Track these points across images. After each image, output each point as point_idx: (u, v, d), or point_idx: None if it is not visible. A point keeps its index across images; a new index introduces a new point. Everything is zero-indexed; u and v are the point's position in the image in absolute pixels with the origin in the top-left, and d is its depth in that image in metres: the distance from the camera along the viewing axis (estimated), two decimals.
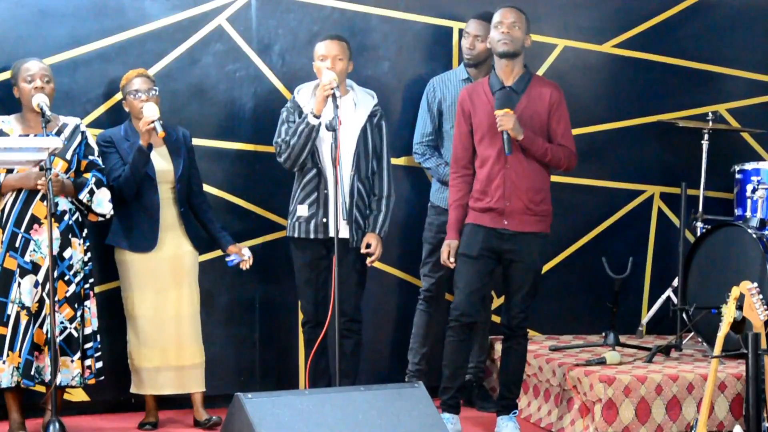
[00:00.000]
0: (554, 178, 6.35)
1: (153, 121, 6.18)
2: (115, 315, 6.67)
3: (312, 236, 6.36)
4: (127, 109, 6.44)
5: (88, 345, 6.21)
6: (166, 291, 6.42)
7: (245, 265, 6.61)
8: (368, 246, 6.39)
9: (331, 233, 6.23)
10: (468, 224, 6.18)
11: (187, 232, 6.48)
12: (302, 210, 6.38)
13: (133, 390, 6.51)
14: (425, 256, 6.91)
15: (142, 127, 6.23)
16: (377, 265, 6.79)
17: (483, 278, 6.16)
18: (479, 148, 6.15)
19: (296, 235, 6.40)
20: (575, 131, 7.42)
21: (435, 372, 6.91)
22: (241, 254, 6.57)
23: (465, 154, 6.21)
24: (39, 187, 5.98)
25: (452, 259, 6.21)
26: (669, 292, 7.35)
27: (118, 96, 6.71)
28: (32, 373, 6.04)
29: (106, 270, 6.67)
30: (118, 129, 6.47)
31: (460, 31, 7.08)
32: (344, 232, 6.29)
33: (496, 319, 7.11)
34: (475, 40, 6.77)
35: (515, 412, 6.30)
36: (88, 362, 6.20)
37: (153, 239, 6.38)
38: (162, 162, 6.43)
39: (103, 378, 6.31)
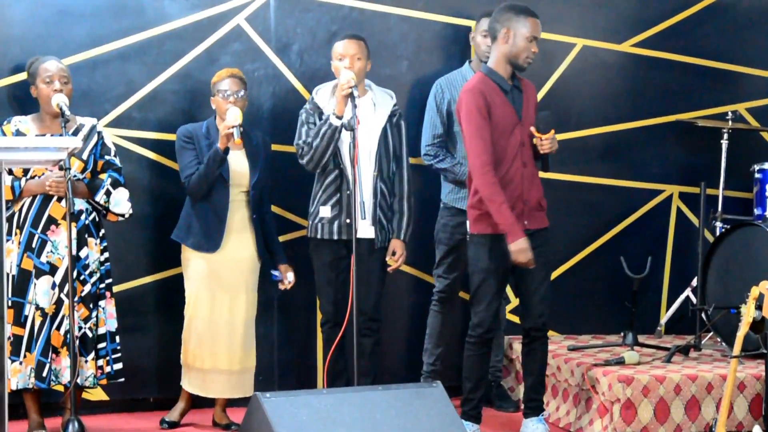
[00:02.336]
0: (573, 178, 6.35)
1: (232, 127, 6.19)
2: (133, 315, 6.69)
3: (336, 237, 6.35)
4: (213, 107, 6.44)
5: (101, 345, 6.21)
6: (224, 294, 6.41)
7: (283, 286, 6.61)
8: (393, 253, 6.40)
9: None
10: (486, 235, 6.00)
11: (255, 239, 6.46)
12: (325, 211, 6.37)
13: (183, 385, 6.49)
14: (440, 257, 6.89)
15: (221, 131, 6.23)
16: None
17: (503, 291, 6.11)
18: (497, 145, 5.99)
19: (319, 236, 6.40)
20: (594, 131, 7.45)
21: (450, 372, 6.92)
22: (285, 276, 6.56)
23: (494, 152, 5.99)
24: (47, 188, 5.99)
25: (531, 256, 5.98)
26: (688, 292, 7.33)
27: (138, 96, 6.74)
28: (44, 374, 6.04)
29: (125, 270, 6.68)
30: (200, 125, 6.47)
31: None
32: (366, 232, 6.28)
33: (511, 317, 7.10)
34: None
35: (544, 414, 6.25)
36: (100, 362, 6.20)
37: (218, 240, 6.37)
38: (238, 165, 6.41)
39: (123, 380, 6.31)
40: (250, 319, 6.51)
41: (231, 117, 6.22)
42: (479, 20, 6.80)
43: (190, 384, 6.46)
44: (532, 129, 6.02)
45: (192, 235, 6.41)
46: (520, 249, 5.89)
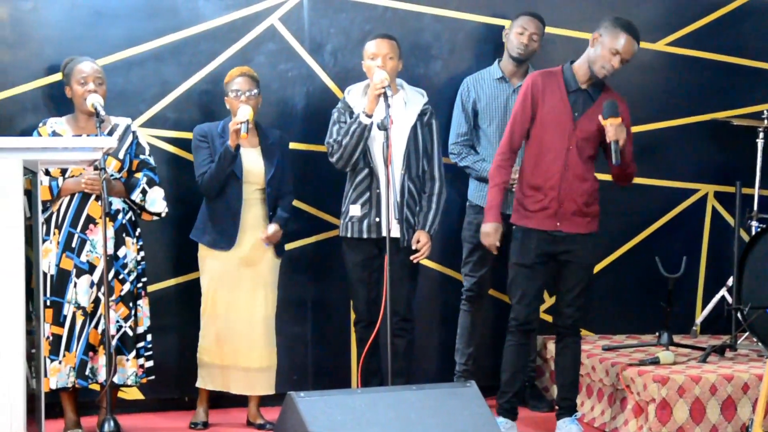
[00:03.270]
0: (608, 177, 6.32)
1: (240, 123, 6.20)
2: (167, 314, 6.72)
3: (365, 236, 6.36)
4: (227, 107, 6.47)
5: (140, 344, 6.25)
6: (242, 291, 6.44)
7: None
8: (417, 241, 6.37)
9: (384, 233, 6.22)
10: (519, 228, 6.11)
11: None
12: (355, 210, 6.38)
13: (199, 384, 6.53)
14: (466, 256, 6.91)
15: (230, 128, 6.26)
16: (425, 262, 6.79)
17: (538, 285, 6.13)
18: (540, 141, 6.05)
19: (349, 235, 6.40)
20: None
21: (482, 372, 6.91)
22: (263, 232, 6.45)
23: (520, 141, 6.13)
24: (83, 187, 6.03)
25: (498, 244, 6.12)
26: (723, 292, 7.30)
27: (172, 96, 6.76)
28: (86, 373, 6.08)
29: (159, 269, 6.71)
30: (215, 124, 6.50)
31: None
32: (396, 232, 6.28)
33: (546, 317, 7.09)
34: (531, 38, 6.77)
35: (577, 414, 6.26)
36: (140, 361, 6.24)
37: (232, 238, 6.39)
38: (253, 163, 6.44)
39: (153, 377, 6.34)
40: (270, 317, 6.52)
41: (240, 114, 6.24)
42: (516, 18, 6.83)
43: (211, 381, 6.49)
44: (600, 117, 5.99)
45: (207, 234, 6.45)
46: (484, 232, 6.15)
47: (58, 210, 6.13)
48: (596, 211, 6.14)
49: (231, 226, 6.40)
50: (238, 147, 6.29)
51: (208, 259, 6.47)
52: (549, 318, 6.97)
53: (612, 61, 5.99)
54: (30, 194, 4.98)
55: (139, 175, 6.24)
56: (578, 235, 6.07)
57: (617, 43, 5.99)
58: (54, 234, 6.10)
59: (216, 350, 6.46)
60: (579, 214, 6.06)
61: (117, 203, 6.18)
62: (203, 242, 6.47)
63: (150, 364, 6.31)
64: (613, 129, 5.94)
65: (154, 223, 6.40)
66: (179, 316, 6.79)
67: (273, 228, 6.43)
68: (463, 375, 6.87)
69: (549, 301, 7.11)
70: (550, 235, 6.05)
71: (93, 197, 6.10)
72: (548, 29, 7.16)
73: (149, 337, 6.32)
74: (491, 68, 6.94)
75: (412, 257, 6.35)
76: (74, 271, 6.09)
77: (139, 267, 6.28)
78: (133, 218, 6.28)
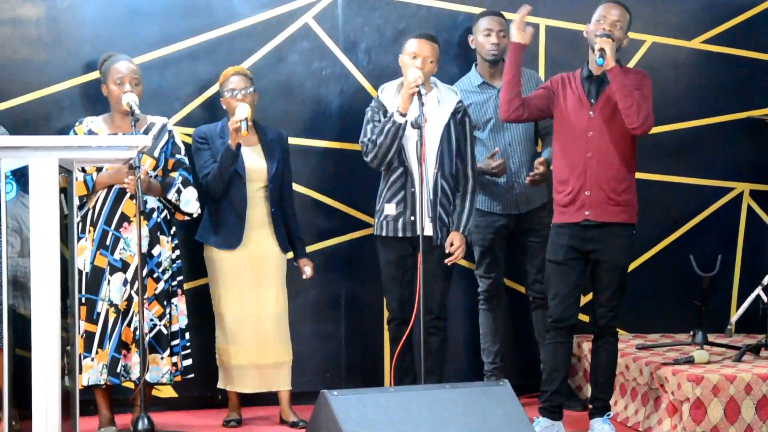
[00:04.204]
0: (642, 175, 6.30)
1: (239, 121, 6.23)
2: (203, 312, 6.74)
3: (400, 234, 6.35)
4: (224, 107, 6.49)
5: (174, 342, 6.28)
6: (251, 289, 6.47)
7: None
8: (451, 244, 6.37)
9: (419, 231, 6.22)
10: (553, 225, 6.13)
11: (276, 233, 6.51)
12: (389, 209, 6.38)
13: (220, 385, 6.57)
14: (478, 258, 6.91)
15: (229, 127, 6.28)
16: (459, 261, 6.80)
17: (571, 282, 6.09)
18: (563, 134, 6.07)
19: (384, 234, 6.40)
20: (664, 128, 7.39)
21: (511, 368, 6.90)
22: (303, 271, 6.62)
23: (529, 98, 6.12)
24: (125, 185, 6.06)
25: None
26: (759, 291, 7.25)
27: (207, 94, 6.79)
28: (118, 370, 6.11)
29: (196, 267, 6.73)
30: (214, 125, 6.53)
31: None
32: (429, 230, 6.28)
33: (582, 317, 7.07)
34: (499, 36, 6.75)
35: (609, 414, 6.24)
36: (174, 359, 6.26)
37: (238, 237, 6.42)
38: (254, 161, 6.47)
39: (192, 375, 6.36)
40: (281, 314, 6.54)
41: (239, 112, 6.26)
42: (478, 20, 6.84)
43: (229, 381, 6.53)
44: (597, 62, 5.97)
45: (213, 234, 6.47)
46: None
47: (93, 207, 6.16)
48: (629, 200, 6.05)
49: (237, 226, 6.43)
50: (239, 146, 6.31)
51: (215, 259, 6.49)
52: (584, 317, 6.94)
53: (602, 25, 5.97)
54: (66, 192, 5.01)
55: (174, 174, 6.27)
56: (609, 232, 6.03)
57: (600, 9, 6.02)
58: (89, 231, 6.14)
59: (231, 350, 6.48)
60: (609, 201, 6.01)
61: (152, 202, 6.21)
62: (209, 243, 6.50)
63: (188, 362, 6.33)
64: (600, 41, 5.90)
65: (191, 222, 6.42)
66: (210, 315, 6.81)
67: (308, 269, 6.64)
68: (493, 374, 6.86)
69: (584, 300, 7.09)
70: (581, 227, 6.03)
71: (128, 195, 6.13)
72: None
73: (187, 336, 6.34)
74: (470, 76, 6.90)
75: (446, 260, 6.35)
76: (108, 268, 6.12)
77: (174, 265, 6.31)
78: (168, 217, 6.31)
